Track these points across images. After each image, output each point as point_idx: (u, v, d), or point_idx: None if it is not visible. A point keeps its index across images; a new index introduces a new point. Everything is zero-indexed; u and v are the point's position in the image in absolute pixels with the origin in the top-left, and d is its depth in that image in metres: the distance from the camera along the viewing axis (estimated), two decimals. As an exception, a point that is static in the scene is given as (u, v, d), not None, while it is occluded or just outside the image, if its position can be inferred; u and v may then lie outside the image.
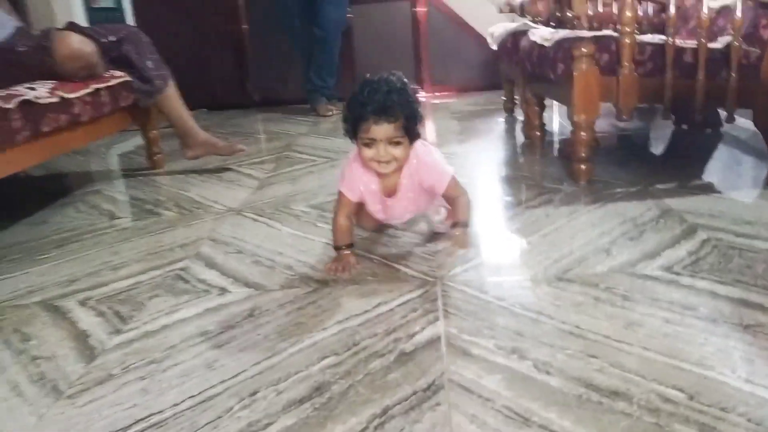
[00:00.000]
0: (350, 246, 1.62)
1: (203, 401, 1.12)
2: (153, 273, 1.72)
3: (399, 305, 1.41)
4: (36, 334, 1.43)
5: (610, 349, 1.17)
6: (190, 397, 1.14)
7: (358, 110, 1.45)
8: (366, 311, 1.39)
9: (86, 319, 1.48)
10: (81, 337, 1.40)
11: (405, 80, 1.50)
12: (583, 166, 2.22)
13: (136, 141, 3.43)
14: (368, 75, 1.49)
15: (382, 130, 1.44)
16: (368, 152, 1.49)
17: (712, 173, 2.36)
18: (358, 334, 1.30)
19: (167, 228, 2.10)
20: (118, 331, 1.41)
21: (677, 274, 1.46)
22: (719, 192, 2.09)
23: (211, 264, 1.75)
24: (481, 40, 4.16)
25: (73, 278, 1.73)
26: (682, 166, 2.42)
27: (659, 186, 2.16)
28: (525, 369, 1.13)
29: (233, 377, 1.19)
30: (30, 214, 2.37)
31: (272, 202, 2.30)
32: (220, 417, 1.07)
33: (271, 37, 4.67)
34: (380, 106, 1.42)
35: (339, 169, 1.68)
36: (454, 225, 1.68)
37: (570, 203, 2.05)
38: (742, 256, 1.54)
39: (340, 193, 1.61)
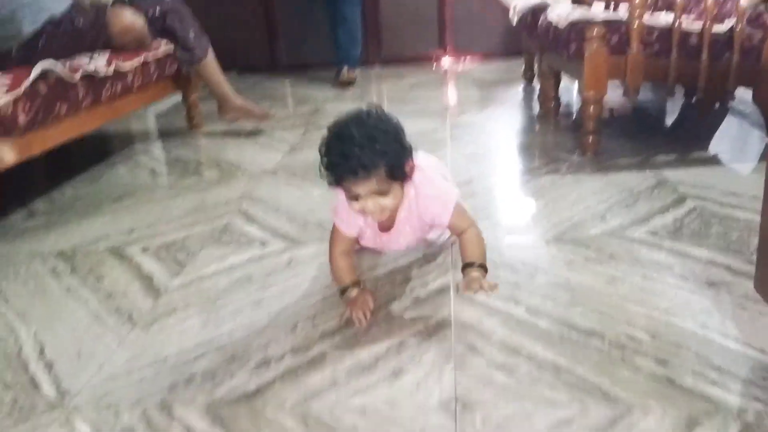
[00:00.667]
0: (357, 284, 1.43)
1: (253, 331, 1.38)
2: (201, 227, 1.97)
3: (415, 260, 1.64)
4: (107, 275, 1.70)
5: (592, 299, 1.39)
6: (241, 328, 1.39)
7: (332, 171, 1.28)
8: (387, 263, 1.62)
9: (148, 264, 1.74)
10: (146, 279, 1.66)
11: (378, 115, 1.30)
12: (590, 138, 2.40)
13: (171, 102, 3.66)
14: (335, 121, 1.30)
15: (364, 187, 1.27)
16: (356, 205, 1.32)
17: (712, 146, 2.52)
18: (381, 281, 1.54)
19: (209, 186, 2.34)
20: (176, 275, 1.67)
21: (661, 237, 1.66)
22: (716, 164, 2.26)
23: (251, 220, 2.00)
24: (505, 7, 4.27)
25: (133, 229, 1.99)
26: (686, 138, 2.58)
27: (660, 157, 2.34)
28: (519, 313, 1.36)
29: (277, 314, 1.44)
30: (85, 170, 2.63)
31: (303, 164, 2.52)
32: (268, 343, 1.33)
33: (300, 0, 4.82)
34: (354, 167, 1.24)
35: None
36: (467, 267, 1.38)
37: (575, 172, 2.24)
38: (721, 224, 1.73)
39: (335, 228, 1.46)
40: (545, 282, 1.49)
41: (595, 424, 1.03)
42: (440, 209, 1.42)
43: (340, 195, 1.38)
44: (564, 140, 2.69)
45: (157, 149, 2.96)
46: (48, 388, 1.24)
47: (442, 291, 1.48)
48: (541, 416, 1.05)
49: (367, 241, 1.55)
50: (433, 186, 1.43)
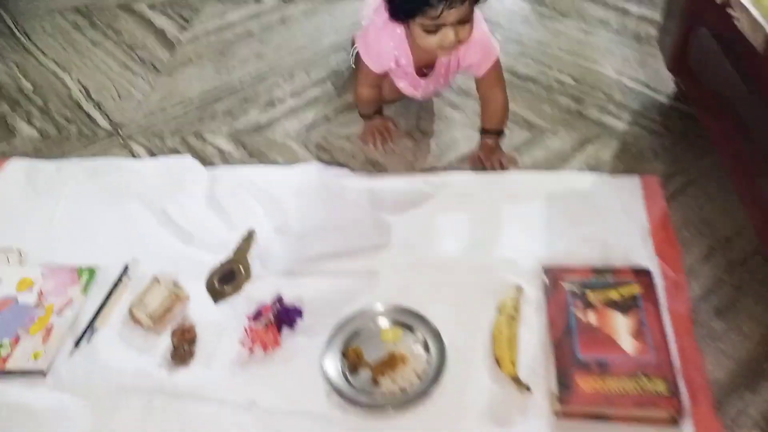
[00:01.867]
0: (379, 112, 1.43)
1: (259, 78, 1.69)
2: (198, -18, 2.14)
3: (393, 15, 1.88)
4: (124, 29, 1.94)
5: (537, 51, 1.69)
6: (249, 76, 1.70)
7: None
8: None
9: (158, 19, 1.97)
10: (160, 33, 1.91)
11: None
12: None
13: None
14: None
15: (453, 13, 1.10)
16: (431, 39, 1.15)
17: None
18: (362, 36, 1.80)
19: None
20: (184, 29, 1.91)
21: (610, -4, 1.89)
22: None
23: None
24: None
25: (136, -14, 2.16)
26: None
27: None
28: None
29: (277, 64, 1.73)
30: None
31: None
32: (271, 87, 1.65)
33: None
34: None
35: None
36: (486, 132, 1.35)
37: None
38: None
39: (361, 63, 1.35)
40: (501, 37, 1.75)
41: (517, 143, 1.41)
42: (483, 57, 1.26)
43: (370, 31, 1.29)
44: None
45: None
46: (102, 121, 1.60)
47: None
48: (478, 138, 1.42)
49: (400, 82, 1.41)
50: (480, 30, 1.23)
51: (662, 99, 1.49)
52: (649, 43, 1.68)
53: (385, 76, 1.37)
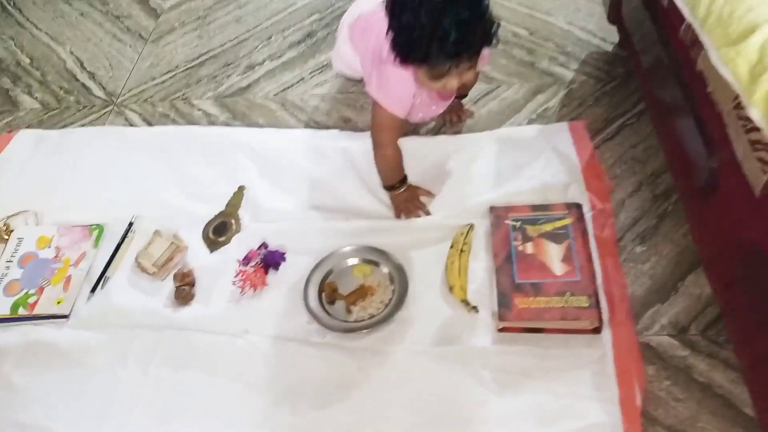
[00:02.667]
0: (405, 180, 1.30)
1: (238, 42, 1.82)
2: (177, -51, 2.23)
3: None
4: (110, 0, 2.05)
5: (494, 4, 1.75)
6: (229, 41, 1.83)
7: (440, 48, 0.99)
8: None
9: (141, -12, 2.08)
10: (143, 2, 2.02)
11: None
12: None
13: None
14: None
15: (469, 62, 1.04)
16: (435, 84, 1.08)
17: None
18: (334, -3, 1.92)
19: None
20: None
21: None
22: None
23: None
24: None
25: (116, -46, 2.24)
26: None
27: None
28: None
29: (254, 27, 1.85)
30: None
31: None
32: (250, 51, 1.78)
33: None
34: (472, 41, 1.00)
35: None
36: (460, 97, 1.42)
37: None
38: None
39: (380, 111, 1.20)
40: None
41: (475, 96, 1.55)
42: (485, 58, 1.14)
43: (382, 73, 1.16)
44: None
45: None
46: (98, 91, 1.74)
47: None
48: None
49: (421, 112, 1.32)
50: None
51: (608, 47, 1.62)
52: None
53: (405, 125, 1.28)
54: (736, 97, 0.84)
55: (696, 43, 0.96)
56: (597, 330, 1.10)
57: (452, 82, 1.07)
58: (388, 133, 1.23)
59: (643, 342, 1.10)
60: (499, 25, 1.05)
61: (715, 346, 1.08)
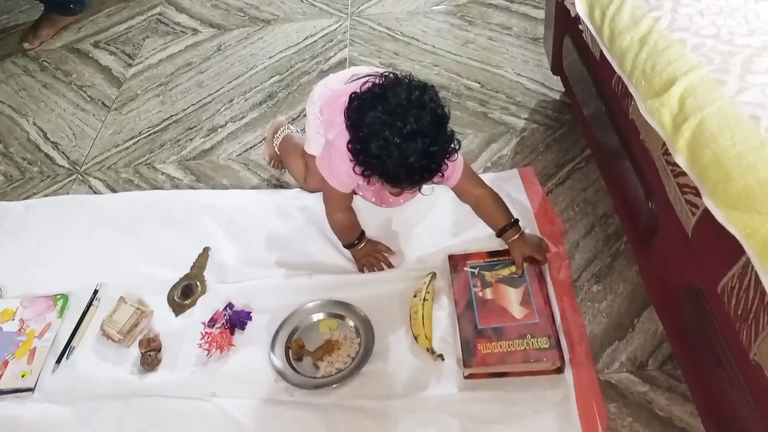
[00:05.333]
0: (362, 236, 1.33)
1: (201, 106, 1.86)
2: (139, 18, 2.29)
3: (321, 37, 2.06)
4: (73, 70, 2.09)
5: (448, 60, 1.89)
6: (191, 105, 1.87)
7: (389, 174, 1.04)
8: (298, 43, 2.05)
9: (104, 58, 2.13)
10: (106, 71, 2.06)
11: (421, 86, 1.05)
12: None
13: None
14: (374, 97, 1.04)
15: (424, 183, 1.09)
16: (390, 189, 1.14)
17: None
18: (293, 60, 1.98)
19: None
20: (129, 65, 2.07)
21: (512, 2, 2.09)
22: None
23: (180, 9, 2.31)
24: None
25: (80, 26, 2.30)
26: None
27: None
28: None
29: (216, 91, 1.91)
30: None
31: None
32: (213, 114, 1.83)
33: None
34: (430, 170, 1.04)
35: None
36: (503, 232, 1.25)
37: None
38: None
39: (326, 189, 1.25)
40: (417, 49, 1.96)
41: (431, 148, 1.61)
42: (450, 172, 1.15)
43: (333, 157, 1.17)
44: None
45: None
46: (61, 161, 1.76)
47: (341, 63, 1.94)
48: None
49: (367, 197, 1.33)
50: None
51: (555, 96, 1.70)
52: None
53: (352, 195, 1.30)
54: (664, 144, 0.91)
55: (626, 94, 1.03)
56: (559, 370, 1.13)
57: (406, 191, 1.12)
58: (335, 202, 1.28)
59: (604, 380, 1.13)
60: (459, 142, 1.08)
61: (674, 380, 1.11)
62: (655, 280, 1.14)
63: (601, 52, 1.11)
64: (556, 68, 1.59)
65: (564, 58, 1.48)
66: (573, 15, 1.26)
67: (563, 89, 1.68)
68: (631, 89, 1.00)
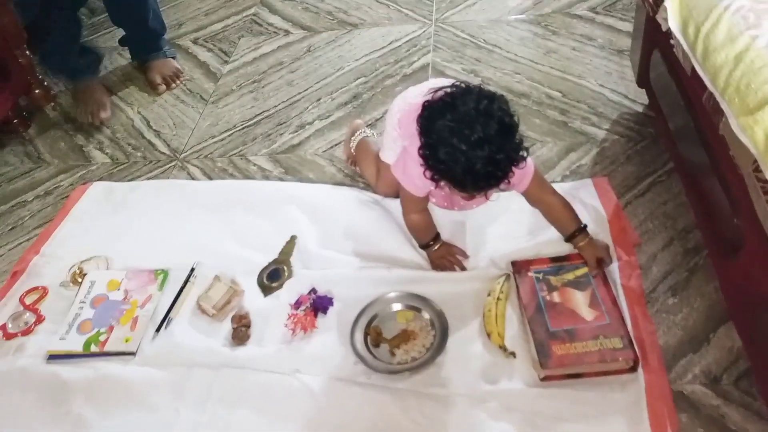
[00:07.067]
0: (437, 238, 1.39)
1: (290, 104, 1.97)
2: (235, 18, 2.43)
3: (405, 42, 2.13)
4: (174, 65, 2.24)
5: (530, 69, 1.92)
6: (282, 102, 1.98)
7: (457, 180, 1.11)
8: (383, 47, 2.13)
9: (202, 54, 2.27)
10: (204, 66, 2.21)
11: (491, 96, 1.10)
12: None
13: None
14: (442, 106, 1.10)
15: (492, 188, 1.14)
16: (462, 194, 1.19)
17: None
18: (378, 63, 2.07)
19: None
20: (226, 62, 2.21)
21: (597, 13, 2.10)
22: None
23: (273, 10, 2.44)
24: None
25: (180, 23, 2.46)
26: None
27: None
28: (475, 83, 1.91)
29: (305, 90, 2.01)
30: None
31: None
32: (301, 112, 1.93)
33: None
34: (497, 178, 1.09)
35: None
36: (572, 237, 1.30)
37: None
38: (651, -2, 2.14)
39: (402, 191, 1.32)
40: (499, 56, 2.00)
41: (511, 153, 1.65)
42: (520, 178, 1.21)
43: (408, 162, 1.24)
44: None
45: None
46: (163, 148, 1.90)
47: (424, 67, 2.01)
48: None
49: (439, 201, 1.42)
50: None
51: (638, 108, 1.71)
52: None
53: (427, 198, 1.34)
54: (755, 161, 0.92)
55: (717, 110, 1.05)
56: (633, 368, 1.15)
57: (476, 196, 1.17)
58: (410, 204, 1.35)
59: (676, 390, 1.14)
60: (528, 150, 1.12)
61: (749, 397, 1.12)
62: (736, 296, 1.14)
63: (693, 67, 1.13)
64: (642, 81, 1.60)
65: (651, 70, 1.49)
66: (664, 29, 1.27)
67: (647, 102, 1.69)
68: (723, 106, 1.02)
